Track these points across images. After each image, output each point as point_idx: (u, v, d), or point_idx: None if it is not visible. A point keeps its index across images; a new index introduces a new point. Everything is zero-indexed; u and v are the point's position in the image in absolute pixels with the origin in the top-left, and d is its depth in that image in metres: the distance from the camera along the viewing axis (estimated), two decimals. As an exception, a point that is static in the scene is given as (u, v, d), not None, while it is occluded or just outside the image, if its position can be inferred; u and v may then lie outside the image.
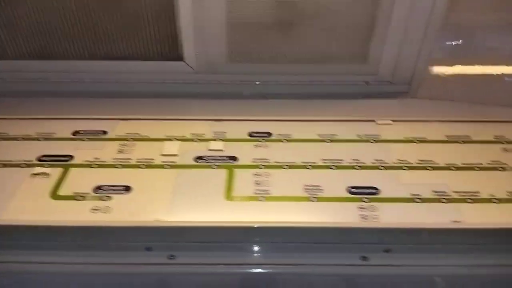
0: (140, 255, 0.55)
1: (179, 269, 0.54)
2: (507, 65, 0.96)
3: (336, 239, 0.53)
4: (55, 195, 0.57)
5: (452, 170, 0.61)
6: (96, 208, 0.55)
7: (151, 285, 0.56)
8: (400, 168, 0.61)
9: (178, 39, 0.79)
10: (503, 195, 0.57)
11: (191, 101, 0.79)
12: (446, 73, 1.08)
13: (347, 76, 0.88)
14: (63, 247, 0.54)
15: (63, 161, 0.63)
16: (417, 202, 0.56)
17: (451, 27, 1.11)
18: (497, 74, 0.99)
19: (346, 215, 0.54)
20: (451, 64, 1.07)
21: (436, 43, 1.08)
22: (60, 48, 0.81)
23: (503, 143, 0.66)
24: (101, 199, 0.56)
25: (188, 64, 0.83)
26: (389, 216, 0.54)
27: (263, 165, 0.62)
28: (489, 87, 1.00)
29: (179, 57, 0.82)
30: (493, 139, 0.67)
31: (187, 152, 0.64)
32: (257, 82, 0.85)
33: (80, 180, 0.59)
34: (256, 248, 0.54)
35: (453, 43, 1.08)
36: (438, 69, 1.07)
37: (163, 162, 0.62)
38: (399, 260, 0.54)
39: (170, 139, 0.66)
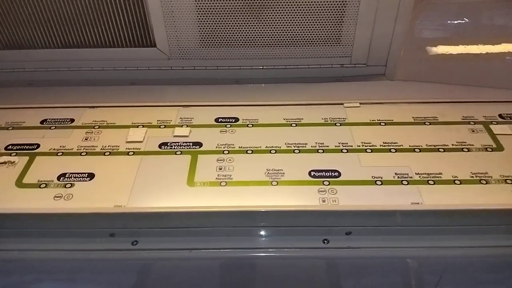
0: (104, 241, 0.55)
1: (142, 255, 0.55)
2: (483, 44, 0.96)
3: (295, 223, 0.53)
4: (20, 183, 0.58)
5: (416, 152, 0.61)
6: (59, 195, 0.56)
7: (116, 271, 0.57)
8: (364, 150, 0.61)
9: (149, 25, 0.79)
10: (466, 176, 0.57)
11: (162, 87, 0.78)
12: (423, 55, 1.08)
13: (321, 59, 0.87)
14: (26, 234, 0.55)
15: (30, 149, 0.63)
16: (378, 184, 0.56)
17: (426, 7, 1.10)
18: (475, 54, 0.98)
19: (306, 199, 0.54)
20: (427, 45, 1.06)
21: (411, 24, 1.07)
22: (30, 37, 0.81)
23: (471, 124, 0.66)
24: (64, 186, 0.57)
25: (161, 50, 0.82)
26: (348, 199, 0.54)
27: (227, 150, 0.62)
28: (467, 68, 0.99)
29: (152, 43, 0.82)
30: (461, 120, 0.66)
31: (152, 138, 0.64)
32: (232, 67, 0.85)
33: (45, 168, 0.60)
34: (216, 232, 0.55)
35: (430, 23, 1.06)
36: (414, 51, 1.06)
37: (127, 149, 0.62)
38: (360, 243, 0.54)
39: (136, 126, 0.66)
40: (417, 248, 0.55)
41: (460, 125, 0.65)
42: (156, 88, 0.79)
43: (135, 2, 0.76)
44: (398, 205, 0.51)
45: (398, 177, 0.57)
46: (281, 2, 0.75)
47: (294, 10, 0.77)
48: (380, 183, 0.56)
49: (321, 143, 0.63)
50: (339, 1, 0.76)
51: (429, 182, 0.56)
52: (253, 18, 0.78)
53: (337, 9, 0.78)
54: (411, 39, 1.03)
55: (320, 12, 0.80)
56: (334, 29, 0.82)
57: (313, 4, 0.77)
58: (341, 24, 0.81)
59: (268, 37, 0.81)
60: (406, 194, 0.54)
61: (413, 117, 0.67)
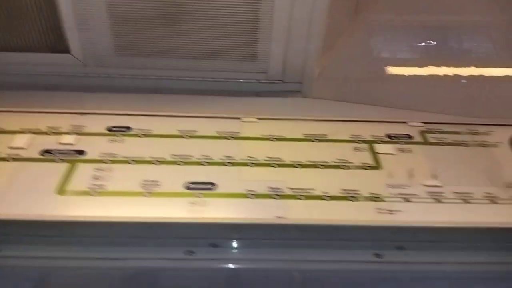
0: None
1: (6, 263, 0.54)
2: (398, 66, 0.99)
3: (157, 234, 0.54)
4: None
5: (296, 167, 0.62)
6: None
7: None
8: (246, 164, 0.62)
9: (62, 31, 0.79)
10: (336, 192, 0.58)
11: (66, 93, 0.77)
12: (346, 74, 1.11)
13: (238, 73, 0.88)
14: None
15: None
16: (249, 197, 0.57)
17: (360, 27, 1.13)
18: (392, 75, 1.02)
19: (174, 210, 0.54)
20: (353, 65, 1.09)
21: (341, 43, 1.10)
22: None
23: (356, 142, 0.68)
24: None
25: (75, 57, 0.82)
26: (216, 211, 0.55)
27: (109, 160, 0.62)
28: (383, 89, 1.03)
29: (66, 49, 0.82)
30: (349, 138, 0.68)
31: (36, 145, 0.63)
32: (149, 77, 0.86)
33: None
34: (81, 242, 0.54)
35: (359, 44, 1.10)
36: (338, 70, 1.09)
37: (7, 154, 0.61)
38: (223, 254, 0.55)
39: (23, 132, 0.66)
40: (284, 261, 0.56)
41: (346, 143, 0.67)
42: (58, 94, 0.78)
43: (49, 7, 0.76)
44: (256, 218, 0.52)
45: (271, 191, 0.58)
46: (196, 16, 0.76)
47: (209, 23, 0.79)
48: (253, 196, 0.57)
49: (207, 156, 0.63)
50: (253, 17, 0.78)
51: (299, 197, 0.58)
52: (168, 29, 0.79)
53: (251, 25, 0.80)
54: (337, 58, 1.06)
55: (234, 27, 0.81)
56: (249, 44, 0.84)
57: (227, 19, 0.78)
58: (255, 40, 0.83)
59: (184, 49, 0.82)
60: (273, 208, 0.55)
61: (303, 134, 0.69)
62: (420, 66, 1.05)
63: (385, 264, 0.55)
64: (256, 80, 0.90)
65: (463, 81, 1.01)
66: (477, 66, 1.02)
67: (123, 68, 0.85)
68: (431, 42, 1.07)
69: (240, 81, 0.90)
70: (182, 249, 0.54)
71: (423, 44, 1.09)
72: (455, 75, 1.05)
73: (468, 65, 1.03)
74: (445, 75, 1.07)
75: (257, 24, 0.81)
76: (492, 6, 0.96)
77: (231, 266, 0.55)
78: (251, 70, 0.88)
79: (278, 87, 0.91)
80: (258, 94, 0.91)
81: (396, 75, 1.03)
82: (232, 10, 0.77)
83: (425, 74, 1.04)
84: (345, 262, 0.54)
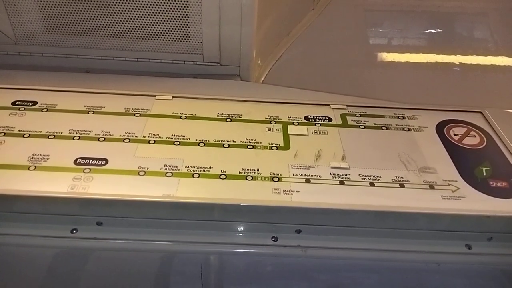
0: None
1: None
2: (337, 52, 0.97)
3: (46, 210, 0.51)
4: None
5: (200, 146, 0.59)
6: None
7: None
8: (146, 141, 0.59)
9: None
10: (235, 171, 0.55)
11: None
12: (276, 58, 1.09)
13: (173, 54, 0.86)
14: None
15: None
16: (140, 175, 0.54)
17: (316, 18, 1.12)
18: (335, 62, 1.00)
19: (57, 185, 0.51)
20: (302, 52, 1.07)
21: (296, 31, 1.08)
22: None
23: (271, 123, 0.64)
24: None
25: (4, 34, 0.80)
26: (99, 188, 0.52)
27: (2, 133, 0.59)
28: (323, 75, 1.00)
29: (-6, 26, 0.79)
30: (264, 119, 0.65)
31: None
32: (81, 56, 0.83)
33: None
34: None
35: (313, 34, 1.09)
36: (290, 57, 1.06)
37: None
38: (110, 234, 0.52)
39: None
40: (171, 243, 0.53)
41: (261, 123, 0.64)
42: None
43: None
44: (138, 196, 0.49)
45: (165, 169, 0.55)
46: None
47: (139, 3, 0.76)
48: (143, 173, 0.54)
49: (107, 132, 0.60)
50: (182, -3, 0.76)
51: (194, 175, 0.55)
52: (98, 6, 0.77)
53: (180, 4, 0.78)
54: (290, 44, 1.04)
55: (164, 5, 0.79)
56: (181, 24, 0.81)
57: (156, -1, 0.76)
58: (187, 20, 0.80)
59: (116, 28, 0.79)
60: (162, 185, 0.52)
61: (217, 113, 0.66)
62: (357, 52, 1.04)
63: (281, 248, 0.52)
64: (193, 62, 0.87)
65: (399, 67, 1.00)
66: (410, 53, 1.00)
67: (55, 46, 0.82)
68: (378, 29, 1.07)
69: (176, 63, 0.88)
70: (69, 227, 0.51)
71: (371, 30, 1.08)
72: (392, 62, 1.03)
73: (403, 52, 1.01)
74: (381, 61, 1.05)
75: (186, 2, 0.79)
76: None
77: (116, 245, 0.52)
78: (186, 51, 0.85)
79: (215, 70, 0.88)
80: (196, 76, 0.89)
81: (333, 61, 1.01)
82: (160, -13, 0.75)
83: (361, 60, 1.03)
84: (234, 245, 0.51)
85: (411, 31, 1.01)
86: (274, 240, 0.53)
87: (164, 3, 0.79)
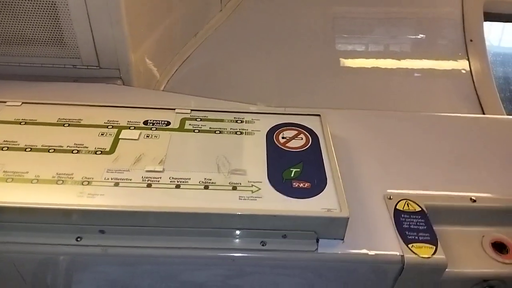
0: None
1: None
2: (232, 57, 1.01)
3: None
4: None
5: (27, 151, 0.62)
6: None
7: None
8: (-26, 147, 0.63)
9: None
10: (48, 176, 0.58)
11: None
12: (182, 60, 1.12)
13: (52, 59, 0.89)
14: None
15: None
16: (-48, 179, 0.58)
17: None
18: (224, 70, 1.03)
19: None
20: (186, 50, 1.10)
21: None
22: None
23: (108, 128, 0.67)
24: None
25: None
26: None
27: None
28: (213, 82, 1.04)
29: None
30: (102, 124, 0.68)
31: None
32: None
33: None
34: None
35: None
36: (170, 56, 1.09)
37: None
38: None
39: None
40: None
41: (97, 128, 0.67)
42: None
43: None
44: None
45: (-24, 174, 0.58)
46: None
47: (8, 7, 0.79)
48: (-45, 178, 0.58)
49: None
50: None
51: (8, 180, 0.58)
52: None
53: (49, 8, 0.81)
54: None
55: (35, 10, 0.82)
56: (53, 28, 0.84)
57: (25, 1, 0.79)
58: (58, 23, 0.83)
59: None
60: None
61: (58, 118, 0.69)
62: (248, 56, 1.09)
63: (83, 248, 0.56)
64: (73, 65, 0.90)
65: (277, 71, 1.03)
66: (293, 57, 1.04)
67: None
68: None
69: (57, 67, 0.90)
70: None
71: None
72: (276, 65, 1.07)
73: (289, 57, 1.05)
74: (262, 65, 1.09)
75: (54, 5, 0.81)
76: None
77: None
78: (63, 56, 0.88)
79: (96, 73, 0.91)
80: (77, 80, 0.92)
81: (224, 65, 1.05)
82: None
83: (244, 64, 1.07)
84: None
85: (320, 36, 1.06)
86: (78, 240, 0.57)
87: (34, 7, 0.81)
